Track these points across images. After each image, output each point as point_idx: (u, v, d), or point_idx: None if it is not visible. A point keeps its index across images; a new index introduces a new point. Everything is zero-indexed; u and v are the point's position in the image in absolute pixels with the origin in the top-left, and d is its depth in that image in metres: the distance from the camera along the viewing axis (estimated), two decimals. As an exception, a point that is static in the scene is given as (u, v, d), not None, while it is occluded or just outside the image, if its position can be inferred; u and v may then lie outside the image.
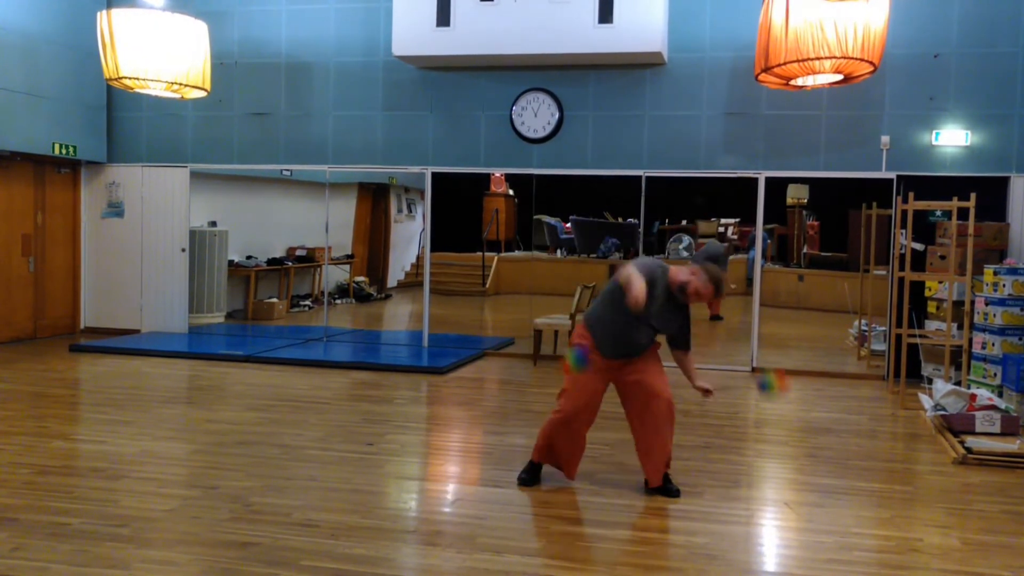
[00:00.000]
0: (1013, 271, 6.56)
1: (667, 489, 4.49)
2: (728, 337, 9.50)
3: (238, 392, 7.07)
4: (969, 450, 5.28)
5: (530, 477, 4.63)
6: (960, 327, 7.08)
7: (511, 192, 10.56)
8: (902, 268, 7.35)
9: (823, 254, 9.47)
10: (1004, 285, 6.53)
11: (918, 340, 7.37)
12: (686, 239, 9.89)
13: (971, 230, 6.83)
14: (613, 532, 3.99)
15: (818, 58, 6.12)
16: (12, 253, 9.30)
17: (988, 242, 7.61)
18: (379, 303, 12.57)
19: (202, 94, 8.03)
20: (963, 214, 6.99)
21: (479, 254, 11.13)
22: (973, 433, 5.57)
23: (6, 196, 9.18)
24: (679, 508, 4.31)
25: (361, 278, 12.63)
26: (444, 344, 9.32)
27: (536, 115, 8.88)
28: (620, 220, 10.03)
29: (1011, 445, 5.33)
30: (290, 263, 11.77)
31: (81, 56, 9.46)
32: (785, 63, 6.26)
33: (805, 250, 9.42)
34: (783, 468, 5.25)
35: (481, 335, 10.26)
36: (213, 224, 10.57)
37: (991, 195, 7.81)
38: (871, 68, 6.35)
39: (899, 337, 7.14)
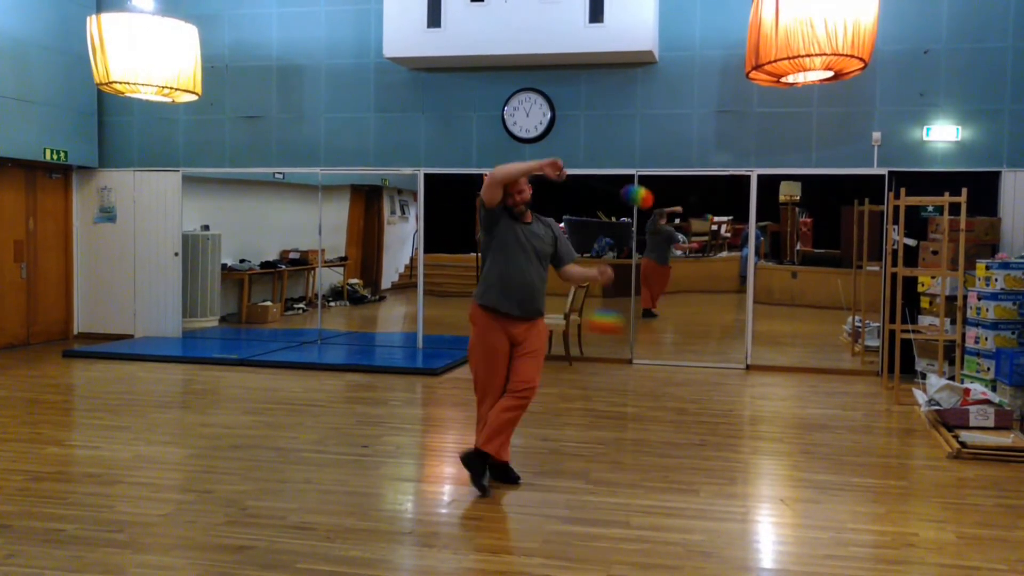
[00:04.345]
0: (1005, 265, 6.58)
1: (507, 475, 4.60)
2: (722, 334, 9.52)
3: (233, 396, 7.05)
4: (963, 444, 5.29)
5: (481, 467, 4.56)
6: (953, 322, 7.11)
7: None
8: (895, 264, 7.38)
9: (816, 251, 9.47)
10: (996, 280, 6.55)
11: (911, 336, 7.39)
12: (680, 237, 9.90)
13: (963, 225, 6.85)
14: (609, 531, 3.99)
15: (808, 55, 6.12)
16: (4, 259, 9.27)
17: (980, 237, 7.64)
18: (373, 305, 12.55)
19: (193, 98, 8.02)
20: (955, 209, 7.01)
21: (473, 255, 11.10)
22: (967, 427, 5.58)
23: (-3, 202, 9.17)
24: (675, 506, 4.31)
25: (355, 280, 12.62)
26: (438, 345, 9.31)
27: (528, 115, 8.89)
28: (613, 219, 10.04)
29: (1005, 439, 5.35)
30: (283, 266, 11.75)
31: (71, 61, 9.43)
32: (776, 60, 6.27)
33: (798, 247, 9.43)
34: (778, 465, 5.26)
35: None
36: (206, 228, 10.54)
37: (982, 190, 7.84)
38: (861, 65, 6.36)
39: (892, 333, 7.16)
